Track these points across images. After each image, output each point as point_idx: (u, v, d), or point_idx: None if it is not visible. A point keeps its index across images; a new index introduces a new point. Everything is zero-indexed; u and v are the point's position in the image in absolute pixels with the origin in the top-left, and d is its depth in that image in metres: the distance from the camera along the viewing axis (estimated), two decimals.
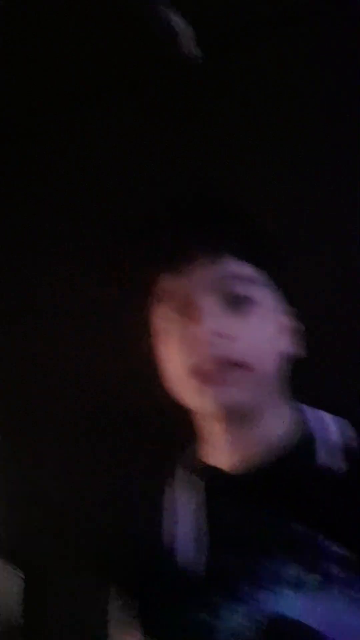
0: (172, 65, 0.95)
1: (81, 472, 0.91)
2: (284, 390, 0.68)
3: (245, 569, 0.58)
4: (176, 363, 0.63)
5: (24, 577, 0.94)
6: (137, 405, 0.87)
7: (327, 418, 0.67)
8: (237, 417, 0.63)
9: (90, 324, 0.97)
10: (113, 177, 1.01)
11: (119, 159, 1.02)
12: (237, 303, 0.63)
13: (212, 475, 0.66)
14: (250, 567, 0.58)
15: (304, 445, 0.64)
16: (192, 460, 0.70)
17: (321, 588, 0.54)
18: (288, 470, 0.63)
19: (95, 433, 0.92)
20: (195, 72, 0.95)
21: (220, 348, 0.60)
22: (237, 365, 0.61)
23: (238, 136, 0.96)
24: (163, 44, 0.91)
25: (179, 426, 0.70)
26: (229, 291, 0.63)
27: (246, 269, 0.64)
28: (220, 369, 0.60)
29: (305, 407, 0.69)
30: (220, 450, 0.66)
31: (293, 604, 0.55)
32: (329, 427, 0.66)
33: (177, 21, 0.89)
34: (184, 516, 0.65)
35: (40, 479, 0.97)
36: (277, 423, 0.66)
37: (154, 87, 1.01)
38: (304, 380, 0.70)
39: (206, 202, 0.70)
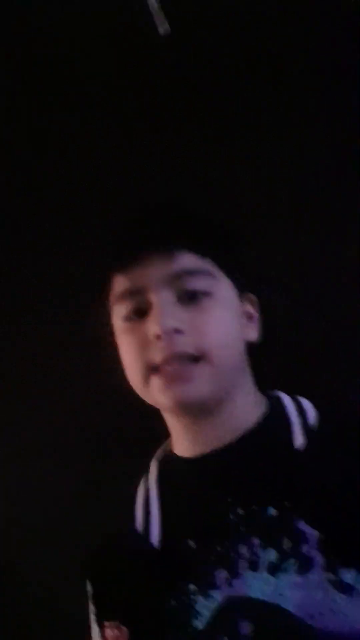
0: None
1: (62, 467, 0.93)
2: (248, 379, 0.68)
3: (222, 555, 0.58)
4: (135, 363, 0.63)
5: None
6: (113, 405, 0.88)
7: (306, 403, 0.67)
8: (200, 411, 0.63)
9: (56, 328, 0.99)
10: (68, 180, 1.02)
11: (74, 161, 1.02)
12: (192, 298, 0.62)
13: (182, 465, 0.67)
14: (226, 553, 0.57)
15: (278, 429, 0.64)
16: (164, 453, 0.71)
17: (299, 572, 0.54)
18: (263, 454, 0.62)
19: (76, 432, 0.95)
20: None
21: (176, 344, 0.60)
22: (196, 359, 0.60)
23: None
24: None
25: (155, 421, 0.70)
26: (183, 287, 0.62)
27: (199, 263, 0.63)
28: (179, 366, 0.60)
29: (281, 393, 0.69)
30: (188, 442, 0.66)
31: (271, 589, 0.54)
32: (308, 411, 0.66)
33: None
34: (156, 506, 0.65)
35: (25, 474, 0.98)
36: (244, 411, 0.65)
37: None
38: (266, 366, 0.71)
39: (156, 198, 0.72)
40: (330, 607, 0.51)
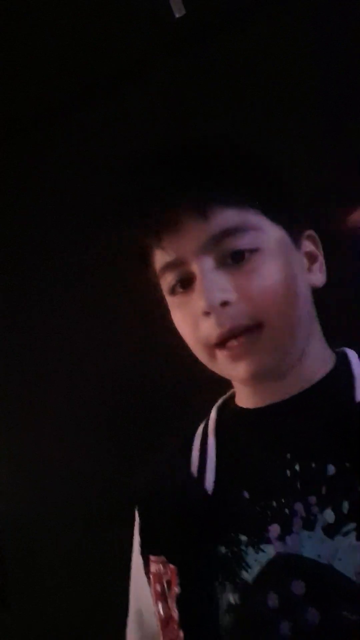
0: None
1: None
2: (316, 332, 0.63)
3: (276, 510, 0.55)
4: (194, 341, 0.60)
5: None
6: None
7: None
8: (273, 375, 0.60)
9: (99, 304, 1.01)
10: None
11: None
12: (238, 258, 0.56)
13: (243, 415, 0.64)
14: (280, 509, 0.55)
15: (341, 385, 0.60)
16: (225, 402, 0.69)
17: (359, 537, 0.50)
18: (324, 409, 0.59)
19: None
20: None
21: (228, 318, 0.55)
22: (253, 328, 0.56)
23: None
24: None
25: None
26: (225, 249, 0.56)
27: (239, 217, 0.56)
28: (241, 340, 0.56)
29: (348, 350, 0.64)
30: (251, 395, 0.64)
31: (327, 551, 0.51)
32: None
33: None
34: (212, 453, 0.63)
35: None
36: (311, 368, 0.61)
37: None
38: (335, 315, 0.66)
39: (180, 152, 0.62)
40: None
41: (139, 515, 0.68)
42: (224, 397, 0.69)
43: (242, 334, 0.56)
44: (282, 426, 0.60)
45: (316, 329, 0.63)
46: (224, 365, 0.58)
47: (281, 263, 0.58)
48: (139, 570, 0.66)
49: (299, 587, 0.51)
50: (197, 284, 0.57)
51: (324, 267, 0.64)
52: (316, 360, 0.62)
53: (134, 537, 0.68)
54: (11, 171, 1.12)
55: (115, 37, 0.95)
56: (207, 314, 0.56)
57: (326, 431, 0.57)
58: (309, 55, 0.93)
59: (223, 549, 0.56)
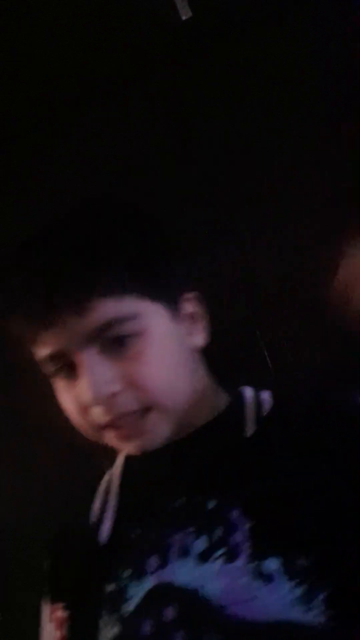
0: None
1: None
2: (203, 382, 0.67)
3: (156, 543, 0.59)
4: (81, 422, 0.60)
5: None
6: None
7: (266, 395, 0.66)
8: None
9: None
10: None
11: None
12: (121, 344, 0.56)
13: (142, 457, 0.65)
14: (160, 541, 0.58)
15: (232, 421, 0.63)
16: None
17: (226, 561, 0.54)
18: (213, 445, 0.63)
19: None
20: None
21: (117, 406, 0.57)
22: (145, 411, 0.58)
23: None
24: None
25: None
26: (109, 337, 0.56)
27: (118, 307, 0.56)
28: (129, 421, 0.58)
29: (245, 388, 0.68)
30: None
31: (196, 576, 0.54)
32: (265, 402, 0.65)
33: None
34: (114, 498, 0.67)
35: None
36: (202, 411, 0.65)
37: None
38: (223, 363, 0.70)
39: (53, 245, 0.60)
40: (251, 595, 0.52)
41: (48, 565, 0.70)
42: None
43: (130, 417, 0.57)
44: (173, 464, 0.63)
45: (206, 383, 0.67)
46: (114, 442, 0.61)
47: (163, 340, 0.59)
48: (46, 621, 0.68)
49: (170, 613, 0.54)
50: (82, 376, 0.56)
51: (206, 326, 0.66)
52: (207, 403, 0.65)
53: (44, 585, 0.70)
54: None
55: (120, 39, 0.95)
56: (100, 405, 0.56)
57: (214, 466, 0.61)
58: (312, 60, 0.95)
59: (111, 587, 0.59)
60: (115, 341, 0.56)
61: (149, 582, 0.56)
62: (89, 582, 0.61)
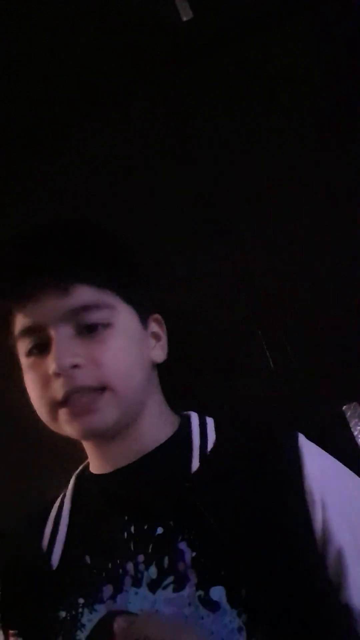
0: None
1: None
2: (157, 399, 0.70)
3: (110, 571, 0.60)
4: (40, 399, 0.64)
5: None
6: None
7: (210, 425, 0.69)
8: (106, 437, 0.65)
9: None
10: None
11: None
12: (91, 330, 0.63)
13: (92, 482, 0.69)
14: (114, 570, 0.60)
15: (179, 452, 0.65)
16: (83, 470, 0.74)
17: (175, 589, 0.56)
18: (160, 475, 0.65)
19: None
20: None
21: (76, 379, 0.61)
22: (99, 390, 0.61)
23: None
24: None
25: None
26: (82, 321, 0.62)
27: (97, 296, 0.63)
28: (83, 398, 0.61)
29: (192, 413, 0.71)
30: (98, 460, 0.69)
31: (148, 604, 0.56)
32: (209, 435, 0.67)
33: None
34: (64, 524, 0.67)
35: None
36: (152, 431, 0.67)
37: None
38: (177, 384, 0.72)
39: (53, 230, 0.68)
40: (197, 623, 0.53)
41: (0, 590, 0.71)
42: (84, 464, 0.74)
43: (85, 394, 0.61)
44: (122, 490, 0.65)
45: (156, 397, 0.70)
46: (63, 423, 0.63)
47: (128, 338, 0.65)
48: None
49: None
50: (52, 349, 0.61)
51: (165, 346, 0.72)
52: (154, 424, 0.68)
53: None
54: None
55: (121, 40, 0.95)
56: (57, 375, 0.61)
57: (160, 496, 0.62)
58: (312, 61, 0.95)
59: (63, 614, 0.60)
60: (87, 327, 0.63)
61: (102, 610, 0.58)
62: (41, 609, 0.62)
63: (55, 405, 0.62)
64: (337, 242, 0.91)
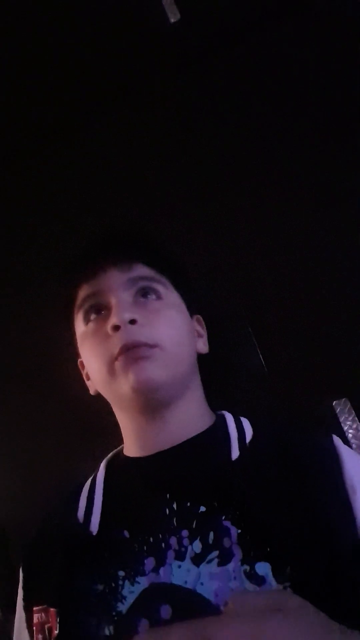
0: None
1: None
2: (199, 387, 0.75)
3: (152, 545, 0.61)
4: (99, 356, 0.70)
5: None
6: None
7: (246, 423, 0.73)
8: (155, 400, 0.69)
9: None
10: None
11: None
12: (146, 296, 0.72)
13: (129, 464, 0.72)
14: (157, 544, 0.61)
15: (218, 441, 0.69)
16: (114, 455, 0.77)
17: (220, 563, 0.57)
18: (201, 460, 0.68)
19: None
20: None
21: (132, 333, 0.68)
22: (151, 346, 0.68)
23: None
24: None
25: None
26: (137, 287, 0.72)
27: (154, 273, 0.74)
28: (136, 351, 0.67)
29: (226, 413, 0.76)
30: (137, 443, 0.72)
31: (192, 577, 0.57)
32: (246, 430, 0.71)
33: None
34: (99, 500, 0.69)
35: None
36: (192, 419, 0.72)
37: None
38: (215, 384, 0.78)
39: (116, 227, 0.80)
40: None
41: (23, 571, 0.70)
42: (114, 451, 0.78)
43: (140, 347, 0.67)
44: (164, 472, 0.68)
45: (198, 386, 0.76)
46: (119, 375, 0.68)
47: (179, 314, 0.74)
48: (21, 629, 0.67)
49: (166, 611, 0.56)
50: (113, 308, 0.70)
51: (206, 342, 0.81)
52: (196, 413, 0.73)
53: (18, 596, 0.70)
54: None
55: (109, 42, 0.97)
56: (116, 327, 0.68)
57: (202, 479, 0.65)
58: (302, 61, 0.98)
59: (101, 587, 0.60)
60: (142, 292, 0.72)
61: (144, 583, 0.59)
62: (77, 579, 0.62)
63: (112, 359, 0.68)
64: (330, 245, 0.93)
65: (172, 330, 0.71)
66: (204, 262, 0.98)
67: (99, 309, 0.73)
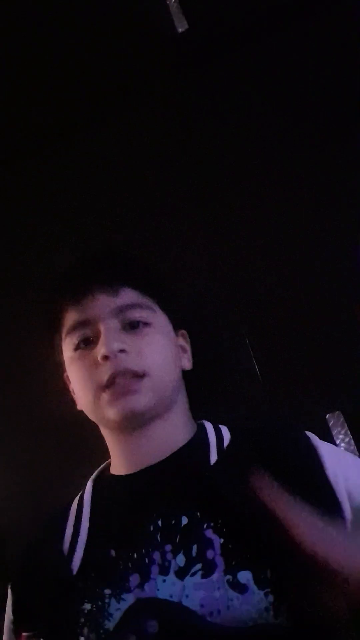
0: None
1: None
2: (183, 401, 0.77)
3: (136, 561, 0.62)
4: (86, 384, 0.72)
5: None
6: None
7: (225, 429, 0.75)
8: (141, 423, 0.71)
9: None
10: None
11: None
12: (134, 326, 0.73)
13: (115, 482, 0.73)
14: (141, 560, 0.62)
15: (199, 450, 0.71)
16: (100, 473, 0.78)
17: (203, 575, 0.58)
18: (184, 471, 0.69)
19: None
20: None
21: (121, 362, 0.69)
22: (139, 375, 0.70)
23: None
24: None
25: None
26: (127, 317, 0.73)
27: (140, 298, 0.74)
28: (125, 381, 0.69)
29: (206, 422, 0.77)
30: (123, 461, 0.74)
31: (177, 590, 0.58)
32: (224, 435, 0.73)
33: None
34: (86, 524, 0.70)
35: None
36: (176, 432, 0.73)
37: None
38: (197, 394, 0.80)
39: (103, 250, 0.83)
40: (227, 605, 0.56)
41: (12, 593, 0.71)
42: (100, 468, 0.78)
43: (127, 377, 0.69)
44: (149, 488, 0.69)
45: (183, 399, 0.78)
46: (105, 406, 0.70)
47: (165, 338, 0.76)
48: None
49: (152, 626, 0.56)
50: (102, 338, 0.71)
51: (190, 357, 0.82)
52: (180, 426, 0.75)
53: (6, 616, 0.70)
54: None
55: (116, 52, 0.98)
56: (106, 358, 0.69)
57: (184, 490, 0.66)
58: (308, 69, 0.97)
59: (88, 606, 0.61)
60: (131, 324, 0.73)
61: (130, 599, 0.59)
62: (64, 606, 0.62)
63: (99, 389, 0.70)
64: (328, 254, 0.93)
65: (160, 356, 0.73)
66: (202, 264, 0.98)
67: (87, 340, 0.73)
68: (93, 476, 0.77)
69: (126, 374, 0.69)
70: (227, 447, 0.71)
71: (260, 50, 0.98)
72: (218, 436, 0.73)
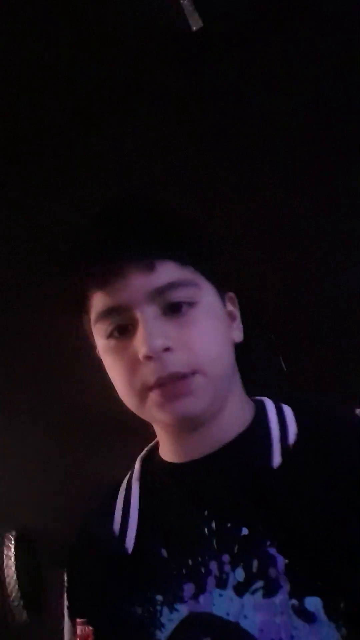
0: None
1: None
2: (238, 383, 0.66)
3: (192, 570, 0.57)
4: (128, 384, 0.60)
5: None
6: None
7: (289, 414, 0.64)
8: (197, 424, 0.61)
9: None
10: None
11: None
12: (177, 310, 0.59)
13: (165, 469, 0.66)
14: (196, 568, 0.56)
15: (258, 444, 0.61)
16: (149, 453, 0.70)
17: (265, 595, 0.52)
18: (240, 468, 0.60)
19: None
20: None
21: (168, 364, 0.57)
22: (190, 375, 0.58)
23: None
24: None
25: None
26: (167, 300, 0.59)
27: (181, 273, 0.60)
28: (175, 386, 0.57)
29: (266, 400, 0.67)
30: (174, 449, 0.66)
31: (235, 609, 0.53)
32: (289, 426, 0.63)
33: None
34: (135, 508, 0.64)
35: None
36: (232, 419, 0.63)
37: None
38: (252, 367, 0.70)
39: (129, 209, 0.65)
40: (290, 633, 0.50)
41: (67, 577, 0.68)
42: (148, 447, 0.71)
43: (178, 380, 0.57)
44: (201, 483, 0.61)
45: (237, 380, 0.66)
46: (153, 408, 0.59)
47: (214, 317, 0.62)
48: (69, 633, 0.66)
49: None
50: (140, 330, 0.58)
51: (240, 326, 0.68)
52: (235, 411, 0.64)
53: (64, 600, 0.68)
54: None
55: (131, 50, 0.97)
56: (148, 358, 0.57)
57: (242, 492, 0.58)
58: (322, 68, 0.96)
59: (139, 610, 0.57)
60: (172, 307, 0.59)
61: (183, 611, 0.55)
62: (115, 599, 0.59)
63: (145, 390, 0.59)
64: (339, 254, 0.92)
65: (212, 346, 0.60)
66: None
67: (121, 328, 0.60)
68: (141, 455, 0.70)
69: (175, 376, 0.57)
70: (293, 444, 0.60)
71: (274, 49, 0.98)
72: (281, 424, 0.63)
